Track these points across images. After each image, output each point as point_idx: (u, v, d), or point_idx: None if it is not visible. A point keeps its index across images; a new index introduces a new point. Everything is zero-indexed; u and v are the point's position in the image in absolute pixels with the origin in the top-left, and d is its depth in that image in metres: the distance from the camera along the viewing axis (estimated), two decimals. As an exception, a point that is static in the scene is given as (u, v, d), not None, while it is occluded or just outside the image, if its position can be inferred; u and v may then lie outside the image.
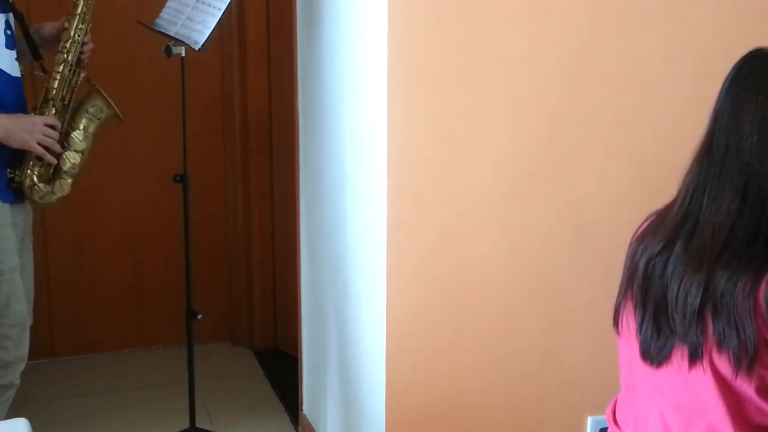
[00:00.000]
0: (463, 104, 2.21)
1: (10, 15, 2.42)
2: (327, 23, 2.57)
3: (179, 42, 2.64)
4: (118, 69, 3.43)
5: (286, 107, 3.28)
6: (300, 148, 2.93)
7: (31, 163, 2.42)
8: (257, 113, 3.70)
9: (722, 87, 1.46)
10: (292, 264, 3.24)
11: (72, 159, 2.47)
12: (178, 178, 2.77)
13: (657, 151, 2.36)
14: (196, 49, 2.60)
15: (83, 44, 2.49)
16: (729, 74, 1.46)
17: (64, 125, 2.48)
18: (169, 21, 2.71)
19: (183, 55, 2.66)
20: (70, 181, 2.49)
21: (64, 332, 3.68)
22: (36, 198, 2.45)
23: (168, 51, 2.66)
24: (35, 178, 2.43)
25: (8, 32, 2.38)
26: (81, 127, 2.49)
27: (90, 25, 2.50)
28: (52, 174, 2.47)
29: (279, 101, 3.61)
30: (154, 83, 3.51)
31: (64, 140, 2.47)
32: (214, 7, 2.60)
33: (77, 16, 2.47)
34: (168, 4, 2.75)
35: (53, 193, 2.47)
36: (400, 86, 2.16)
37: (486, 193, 2.28)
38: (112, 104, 2.53)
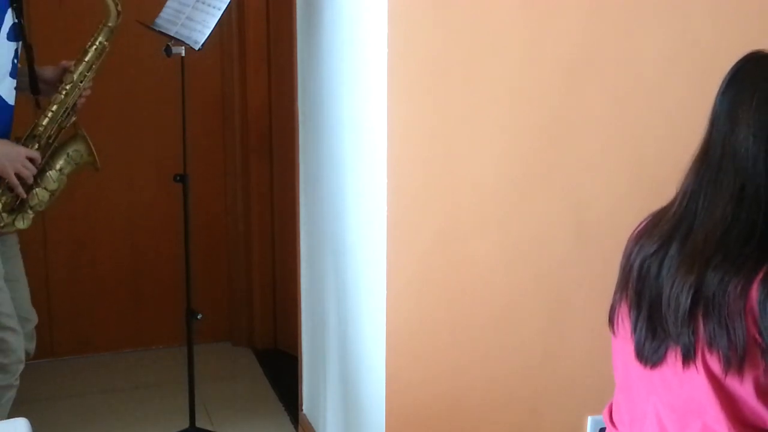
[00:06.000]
0: (462, 104, 2.21)
1: (20, 44, 2.42)
2: (327, 23, 2.57)
3: (179, 42, 2.64)
4: (118, 69, 3.41)
5: (286, 107, 3.28)
6: (300, 148, 2.93)
7: (0, 191, 2.41)
8: (257, 113, 3.70)
9: (719, 90, 1.45)
10: (291, 264, 3.24)
11: (41, 196, 2.45)
12: (178, 178, 2.77)
13: (657, 150, 2.36)
14: (196, 48, 2.59)
15: (83, 90, 2.49)
16: (725, 77, 1.45)
17: (42, 162, 2.46)
18: (169, 21, 2.71)
19: (183, 55, 2.66)
20: (32, 216, 2.47)
21: (63, 332, 3.68)
22: None
23: (168, 51, 2.66)
24: (0, 207, 2.42)
25: (15, 61, 2.39)
26: (58, 167, 2.47)
27: (94, 75, 2.50)
28: (18, 206, 2.45)
29: (279, 101, 3.61)
30: (154, 83, 3.51)
31: (39, 177, 2.45)
32: (214, 7, 2.60)
33: (84, 63, 2.48)
34: (168, 3, 2.75)
35: (13, 224, 2.45)
36: (400, 86, 2.16)
37: (486, 192, 2.28)
38: (94, 153, 2.52)
